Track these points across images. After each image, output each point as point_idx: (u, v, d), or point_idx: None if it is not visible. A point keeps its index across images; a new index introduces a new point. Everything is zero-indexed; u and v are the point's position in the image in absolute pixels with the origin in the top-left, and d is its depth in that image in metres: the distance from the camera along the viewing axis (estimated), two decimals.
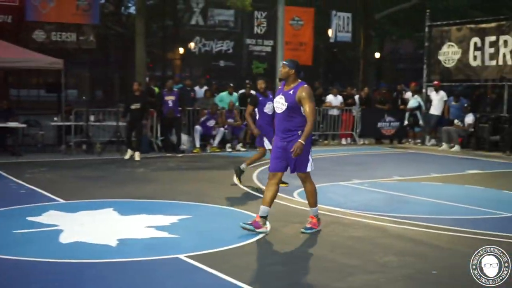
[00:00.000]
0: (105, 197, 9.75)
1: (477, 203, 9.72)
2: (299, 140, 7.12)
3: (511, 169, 14.39)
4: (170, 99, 16.23)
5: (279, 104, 7.38)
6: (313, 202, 7.67)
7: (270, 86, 21.74)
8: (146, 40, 21.24)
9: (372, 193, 10.67)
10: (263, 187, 10.86)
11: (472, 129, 18.67)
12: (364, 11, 27.23)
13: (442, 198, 10.16)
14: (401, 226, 8.08)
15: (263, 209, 7.45)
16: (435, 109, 19.86)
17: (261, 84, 11.29)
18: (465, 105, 18.83)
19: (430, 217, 8.62)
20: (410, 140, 20.75)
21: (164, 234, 7.34)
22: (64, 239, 7.03)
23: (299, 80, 7.41)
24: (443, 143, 19.08)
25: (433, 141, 20.15)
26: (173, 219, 8.12)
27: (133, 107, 15.01)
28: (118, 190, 10.56)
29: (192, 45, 23.06)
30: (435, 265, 6.30)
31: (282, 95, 7.39)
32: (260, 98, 11.18)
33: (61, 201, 9.42)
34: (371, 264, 6.35)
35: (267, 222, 7.49)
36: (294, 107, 7.27)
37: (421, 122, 20.49)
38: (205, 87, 19.22)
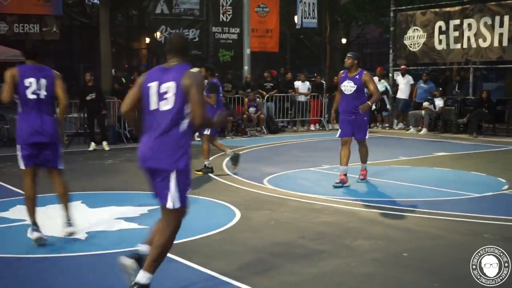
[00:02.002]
0: (73, 190, 9.50)
1: (445, 185, 9.82)
2: (368, 102, 9.57)
3: (477, 151, 14.58)
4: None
5: (349, 87, 9.64)
6: (365, 160, 10.11)
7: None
8: (111, 30, 21.01)
9: None
10: (232, 174, 10.87)
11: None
12: None
13: (410, 181, 10.25)
14: (371, 210, 8.13)
15: (343, 168, 9.74)
16: (402, 93, 20.04)
17: (204, 72, 11.12)
18: (435, 91, 18.98)
19: (399, 200, 8.69)
20: (378, 124, 20.90)
21: (134, 226, 7.29)
22: (32, 234, 6.92)
23: (359, 68, 9.71)
24: (411, 126, 19.26)
25: (401, 124, 20.33)
26: (143, 209, 8.05)
27: (88, 98, 14.90)
28: (86, 182, 10.44)
29: (158, 34, 22.84)
30: (404, 248, 6.35)
31: (349, 80, 9.65)
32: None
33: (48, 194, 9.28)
34: (342, 248, 6.39)
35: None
36: (360, 88, 9.64)
37: (388, 106, 20.65)
38: None
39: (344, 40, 36.91)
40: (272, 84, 20.30)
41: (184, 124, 4.69)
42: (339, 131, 10.02)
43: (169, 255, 6.04)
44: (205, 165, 11.17)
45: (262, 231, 7.09)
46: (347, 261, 5.91)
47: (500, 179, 10.34)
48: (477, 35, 18.77)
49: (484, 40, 18.58)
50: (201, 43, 23.40)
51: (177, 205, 4.84)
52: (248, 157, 13.60)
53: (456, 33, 19.41)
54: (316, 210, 8.11)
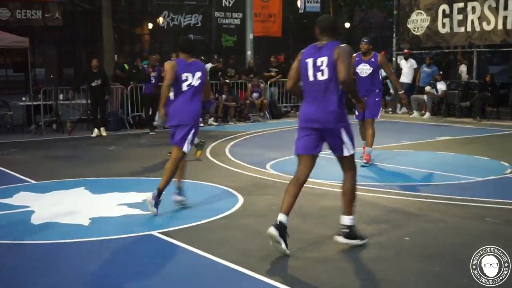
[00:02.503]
0: (76, 176, 9.66)
1: (448, 169, 9.82)
2: (400, 93, 11.18)
3: (481, 135, 14.55)
4: (153, 75, 15.89)
5: (364, 70, 10.22)
6: (370, 144, 10.24)
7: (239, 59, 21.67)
8: (113, 16, 20.94)
9: None
10: (236, 159, 10.89)
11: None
12: None
13: (413, 165, 10.25)
14: (374, 194, 8.14)
15: (368, 149, 10.27)
16: (406, 77, 19.98)
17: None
18: (436, 75, 18.92)
19: (402, 185, 8.69)
20: (381, 108, 20.83)
21: (137, 212, 7.31)
22: (36, 220, 6.96)
23: (372, 52, 10.31)
24: (414, 110, 19.21)
25: (404, 109, 20.27)
26: (146, 196, 8.06)
27: (94, 84, 14.90)
28: (89, 168, 10.47)
29: (160, 20, 22.78)
30: (407, 232, 6.36)
31: (364, 63, 10.24)
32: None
33: (32, 181, 9.32)
34: None
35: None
36: (376, 70, 10.19)
37: (391, 90, 20.58)
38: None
39: (347, 25, 36.75)
40: (277, 70, 20.26)
41: (338, 90, 5.68)
42: (356, 113, 10.56)
43: (171, 240, 6.09)
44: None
45: (265, 216, 7.09)
46: (349, 246, 5.92)
47: (503, 162, 10.33)
48: (481, 18, 18.66)
49: (488, 23, 18.47)
50: (203, 28, 23.36)
51: (352, 151, 5.86)
52: (251, 143, 13.63)
53: (460, 16, 19.31)
54: (318, 195, 8.12)
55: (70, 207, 7.60)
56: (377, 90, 10.36)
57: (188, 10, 22.82)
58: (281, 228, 5.62)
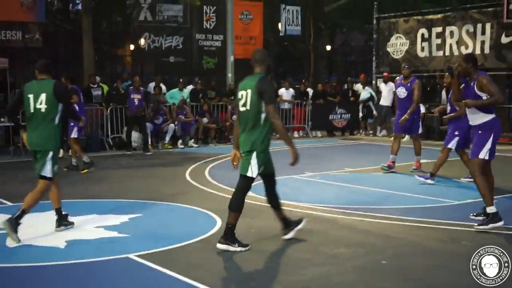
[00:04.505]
0: None
1: (426, 192, 9.87)
2: (405, 115, 11.93)
3: (458, 158, 14.59)
4: (136, 97, 15.98)
5: (402, 92, 11.98)
6: (418, 153, 12.21)
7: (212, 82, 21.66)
8: (95, 37, 20.93)
9: (324, 185, 10.74)
10: (215, 182, 10.85)
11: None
12: (313, 4, 27.36)
13: (391, 188, 10.29)
14: (352, 217, 8.15)
15: (392, 157, 12.08)
16: (385, 100, 20.10)
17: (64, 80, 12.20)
18: None
19: (380, 208, 8.71)
20: (361, 131, 20.97)
21: (114, 234, 7.25)
22: (11, 242, 6.87)
23: (412, 76, 12.06)
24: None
25: (384, 131, 20.40)
26: (124, 218, 8.02)
27: None
28: (67, 190, 10.34)
29: (142, 41, 22.82)
30: (384, 255, 6.37)
31: (402, 86, 12.00)
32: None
33: (9, 203, 9.22)
34: (322, 256, 6.39)
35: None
36: (411, 94, 11.80)
37: (374, 112, 20.73)
38: (153, 84, 18.94)
39: (328, 47, 37.06)
40: None
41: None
42: (394, 126, 12.59)
43: (148, 263, 6.04)
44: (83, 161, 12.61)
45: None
46: (327, 269, 5.92)
47: None
48: (459, 42, 18.94)
49: (466, 47, 18.73)
50: (184, 50, 23.39)
51: None
52: (231, 164, 13.59)
53: (439, 41, 19.57)
54: (297, 218, 8.09)
55: (46, 229, 7.51)
56: (410, 109, 11.85)
57: (170, 32, 22.89)
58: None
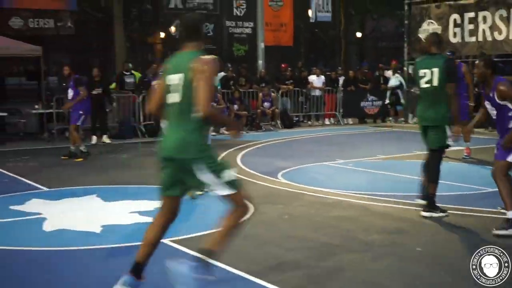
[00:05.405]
0: (88, 183, 9.71)
1: (460, 179, 9.78)
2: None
3: (492, 145, 14.43)
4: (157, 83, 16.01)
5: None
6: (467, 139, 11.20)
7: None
8: (125, 25, 21.06)
9: (356, 172, 10.71)
10: (247, 169, 10.89)
11: None
12: None
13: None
14: (384, 204, 8.12)
15: (465, 144, 11.70)
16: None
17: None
18: None
19: (413, 195, 8.66)
20: (391, 118, 20.83)
21: (149, 219, 7.28)
22: (47, 227, 7.00)
23: (457, 62, 11.66)
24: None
25: (415, 119, 20.20)
26: (157, 204, 8.07)
27: (94, 92, 14.99)
28: (101, 176, 10.52)
29: (172, 29, 22.89)
30: (418, 242, 6.35)
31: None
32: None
33: (44, 189, 9.37)
34: (355, 243, 6.39)
35: None
36: (461, 78, 10.79)
37: (402, 100, 20.56)
38: None
39: (359, 34, 36.78)
40: (292, 81, 20.29)
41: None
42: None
43: (182, 248, 6.10)
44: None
45: (275, 225, 7.11)
46: (361, 256, 5.92)
47: None
48: (492, 27, 18.61)
49: (500, 33, 18.42)
50: (215, 37, 23.42)
51: None
52: (263, 152, 13.64)
53: (471, 26, 19.27)
54: (329, 205, 8.12)
55: (82, 214, 7.64)
56: (465, 94, 11.57)
57: None
58: None
